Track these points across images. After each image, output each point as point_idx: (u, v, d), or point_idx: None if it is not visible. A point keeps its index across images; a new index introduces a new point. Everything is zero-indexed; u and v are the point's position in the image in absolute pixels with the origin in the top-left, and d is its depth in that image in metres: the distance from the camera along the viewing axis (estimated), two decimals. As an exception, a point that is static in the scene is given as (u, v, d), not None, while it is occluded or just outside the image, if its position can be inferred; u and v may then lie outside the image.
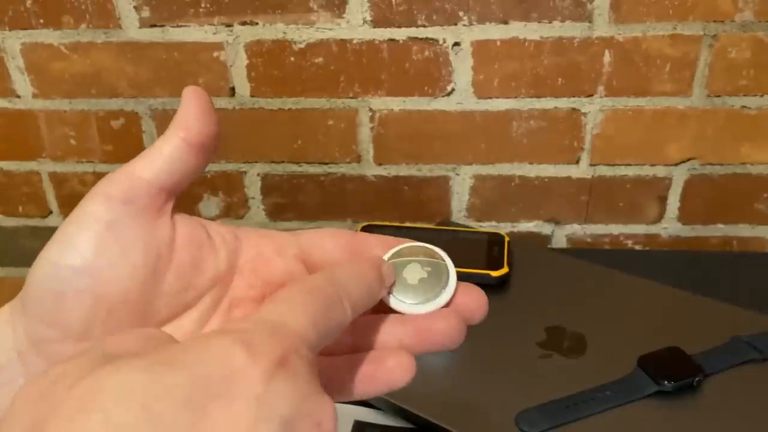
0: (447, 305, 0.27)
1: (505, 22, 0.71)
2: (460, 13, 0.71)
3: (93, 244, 0.23)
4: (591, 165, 0.77)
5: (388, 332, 0.26)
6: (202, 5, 0.72)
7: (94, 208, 0.24)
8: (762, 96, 0.72)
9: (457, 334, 0.26)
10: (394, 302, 0.27)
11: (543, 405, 0.48)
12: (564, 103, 0.74)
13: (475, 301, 0.27)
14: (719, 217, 0.79)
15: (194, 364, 0.18)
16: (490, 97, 0.75)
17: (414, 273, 0.27)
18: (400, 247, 0.28)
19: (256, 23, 0.73)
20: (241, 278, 0.27)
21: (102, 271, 0.23)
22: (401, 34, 0.72)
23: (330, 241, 0.28)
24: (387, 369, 0.25)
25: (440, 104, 0.75)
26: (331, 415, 0.19)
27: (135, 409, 0.16)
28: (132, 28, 0.74)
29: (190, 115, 0.25)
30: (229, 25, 0.73)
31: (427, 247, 0.28)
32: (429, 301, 0.26)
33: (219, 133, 0.26)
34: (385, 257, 0.28)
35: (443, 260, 0.28)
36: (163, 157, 0.25)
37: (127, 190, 0.24)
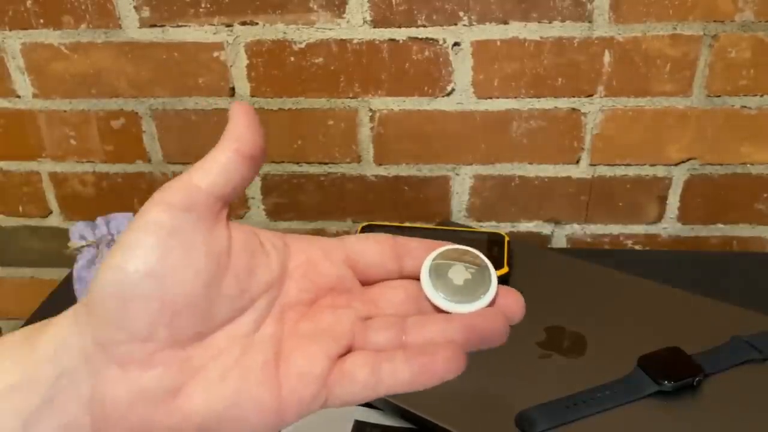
0: (490, 305, 0.28)
1: (505, 22, 0.71)
2: (460, 13, 0.71)
3: (157, 249, 0.24)
4: (591, 165, 0.77)
5: (436, 330, 0.27)
6: (202, 5, 0.72)
7: (156, 215, 0.25)
8: (762, 96, 0.72)
9: (503, 333, 0.27)
10: (441, 302, 0.28)
11: (543, 405, 0.48)
12: (564, 103, 0.74)
13: (516, 303, 0.29)
14: (719, 217, 0.79)
15: None
16: (490, 97, 0.75)
17: (459, 274, 0.29)
18: (444, 248, 0.30)
19: (256, 23, 0.73)
20: (292, 283, 0.28)
21: (166, 275, 0.24)
22: (401, 34, 0.72)
23: (375, 246, 0.29)
24: (440, 361, 0.26)
25: (440, 104, 0.75)
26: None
27: None
28: (132, 28, 0.74)
29: (241, 128, 0.26)
30: (229, 25, 0.73)
31: (468, 250, 0.30)
32: (474, 301, 0.28)
33: (266, 146, 0.27)
34: (430, 258, 0.29)
35: (485, 262, 0.29)
36: (219, 166, 0.26)
37: (186, 198, 0.25)
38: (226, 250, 0.26)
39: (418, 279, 0.29)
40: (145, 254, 0.24)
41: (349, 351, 0.27)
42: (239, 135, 0.26)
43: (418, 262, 0.29)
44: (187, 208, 0.25)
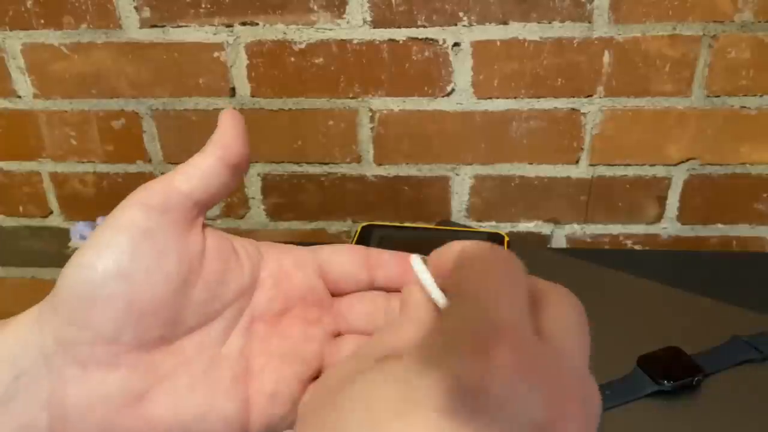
0: None
1: (505, 23, 0.71)
2: (460, 14, 0.71)
3: (129, 249, 0.23)
4: (591, 165, 0.77)
5: None
6: (203, 6, 0.72)
7: (132, 215, 0.24)
8: (761, 96, 0.72)
9: None
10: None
11: (543, 405, 0.48)
12: (564, 103, 0.74)
13: None
14: (719, 217, 0.79)
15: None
16: (490, 98, 0.75)
17: None
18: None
19: (257, 24, 0.73)
20: (262, 292, 0.27)
21: (136, 277, 0.24)
22: (401, 34, 0.72)
23: (347, 257, 0.29)
24: None
25: (440, 104, 0.75)
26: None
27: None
28: (132, 29, 0.74)
29: (229, 136, 0.27)
30: (229, 26, 0.73)
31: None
32: None
33: (249, 155, 0.28)
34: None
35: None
36: (201, 172, 0.26)
37: (165, 200, 0.25)
38: (198, 256, 0.25)
39: (388, 291, 0.29)
40: (116, 254, 0.23)
41: (319, 373, 0.27)
42: (225, 143, 0.27)
43: (389, 273, 0.29)
44: (164, 211, 0.25)
